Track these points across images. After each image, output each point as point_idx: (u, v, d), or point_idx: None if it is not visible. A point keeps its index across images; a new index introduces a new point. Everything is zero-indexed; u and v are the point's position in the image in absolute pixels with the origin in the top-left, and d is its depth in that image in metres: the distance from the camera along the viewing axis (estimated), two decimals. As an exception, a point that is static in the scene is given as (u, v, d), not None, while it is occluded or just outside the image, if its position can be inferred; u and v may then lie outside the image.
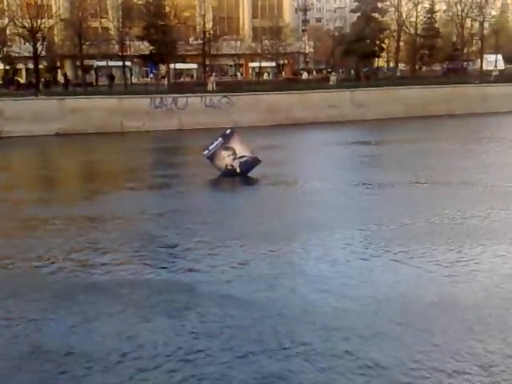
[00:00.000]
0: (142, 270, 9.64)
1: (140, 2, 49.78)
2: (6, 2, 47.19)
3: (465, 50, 57.79)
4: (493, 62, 56.19)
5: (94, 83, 49.88)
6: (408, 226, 11.99)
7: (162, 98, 37.72)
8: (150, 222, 13.03)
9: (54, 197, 17.06)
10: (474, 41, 61.39)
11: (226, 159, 18.04)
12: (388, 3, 55.19)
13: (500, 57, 58.04)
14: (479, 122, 36.79)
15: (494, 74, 51.44)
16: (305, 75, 55.78)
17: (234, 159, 18.04)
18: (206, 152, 18.23)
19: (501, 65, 57.10)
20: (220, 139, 18.15)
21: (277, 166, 21.12)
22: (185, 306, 8.04)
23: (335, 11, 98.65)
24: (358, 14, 56.84)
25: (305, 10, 70.12)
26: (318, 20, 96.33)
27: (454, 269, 9.31)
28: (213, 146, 18.09)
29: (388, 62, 66.59)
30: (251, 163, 18.13)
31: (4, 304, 8.36)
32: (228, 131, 18.44)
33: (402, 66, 61.16)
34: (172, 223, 13.00)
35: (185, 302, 8.20)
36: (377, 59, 59.48)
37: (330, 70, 63.70)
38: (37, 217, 13.81)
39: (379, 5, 55.35)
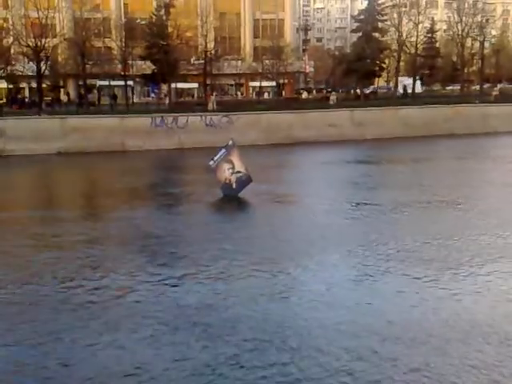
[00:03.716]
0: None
1: (143, 23, 50.36)
2: (10, 21, 47.79)
3: (465, 70, 58.15)
4: (408, 84, 56.04)
5: (97, 102, 50.30)
6: (408, 246, 12.11)
7: (162, 117, 37.96)
8: (143, 243, 13.08)
9: (54, 216, 17.17)
10: (475, 60, 61.81)
11: (226, 172, 18.26)
12: (388, 23, 55.69)
13: (417, 81, 58.12)
14: (479, 142, 36.91)
15: (494, 93, 51.63)
16: (305, 95, 56.20)
17: (232, 173, 18.26)
18: (212, 163, 18.41)
19: (418, 88, 56.90)
20: (223, 150, 18.40)
21: (274, 185, 21.33)
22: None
23: (336, 31, 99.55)
24: (359, 33, 57.38)
25: (305, 29, 70.96)
26: (319, 40, 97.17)
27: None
28: (217, 156, 18.33)
29: (388, 81, 67.01)
30: (245, 181, 18.31)
31: None
32: (230, 142, 18.64)
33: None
34: (170, 245, 13.05)
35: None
36: (377, 79, 59.85)
37: (330, 89, 64.14)
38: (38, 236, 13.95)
39: (380, 25, 55.92)
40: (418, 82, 57.28)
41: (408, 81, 57.54)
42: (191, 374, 6.93)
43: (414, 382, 6.72)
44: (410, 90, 53.85)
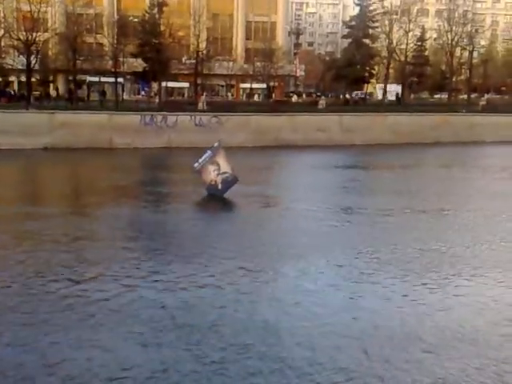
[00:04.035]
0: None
1: (135, 20, 50.23)
2: (2, 14, 47.44)
3: (453, 79, 58.74)
4: (390, 91, 56.66)
5: (86, 98, 50.07)
6: (398, 251, 12.30)
7: (152, 116, 37.88)
8: (128, 244, 13.11)
9: (39, 212, 17.13)
10: (463, 70, 62.44)
11: (211, 174, 18.36)
12: (379, 30, 56.10)
13: (399, 87, 58.67)
14: (466, 151, 37.37)
15: (481, 103, 52.25)
16: (294, 98, 56.38)
17: (218, 174, 18.37)
18: (197, 165, 18.52)
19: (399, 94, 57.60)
20: (209, 152, 18.50)
21: (262, 187, 21.44)
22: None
23: (327, 36, 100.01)
24: (350, 39, 57.74)
25: (297, 33, 71.08)
26: (310, 44, 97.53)
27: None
28: (202, 158, 18.41)
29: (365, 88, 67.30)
30: (231, 182, 18.40)
31: None
32: (216, 144, 18.74)
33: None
34: (157, 244, 13.08)
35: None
36: (366, 85, 60.23)
37: (319, 93, 64.41)
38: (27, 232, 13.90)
39: (370, 31, 56.32)
40: (399, 88, 57.70)
41: (392, 88, 58.06)
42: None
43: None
44: (391, 98, 54.42)
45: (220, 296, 9.58)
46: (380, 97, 57.83)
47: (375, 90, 59.10)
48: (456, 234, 14.11)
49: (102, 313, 8.74)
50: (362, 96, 57.21)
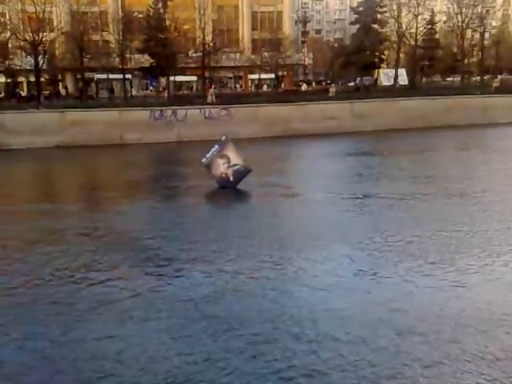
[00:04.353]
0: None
1: (140, 16, 50.01)
2: (7, 16, 47.50)
3: (465, 61, 57.88)
4: (392, 76, 55.85)
5: (95, 96, 50.08)
6: (418, 237, 11.94)
7: (161, 111, 37.73)
8: (150, 238, 12.86)
9: (55, 209, 17.00)
10: (475, 51, 61.50)
11: (221, 167, 18.13)
12: (388, 15, 55.33)
13: (403, 71, 57.63)
14: (480, 133, 36.76)
15: (495, 85, 51.40)
16: (304, 87, 55.86)
17: (228, 167, 18.11)
18: (204, 160, 18.35)
19: (404, 80, 56.50)
20: (216, 146, 18.28)
21: (277, 177, 21.17)
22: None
23: (335, 23, 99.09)
24: (358, 25, 57.02)
25: (304, 21, 70.34)
26: (318, 32, 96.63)
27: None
28: (210, 153, 18.21)
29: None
30: (243, 172, 18.12)
31: None
32: (223, 138, 18.50)
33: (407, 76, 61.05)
34: (179, 237, 12.85)
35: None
36: (377, 70, 59.52)
37: (329, 81, 63.83)
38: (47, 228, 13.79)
39: (379, 16, 55.54)
40: (404, 72, 56.87)
41: (392, 73, 57.38)
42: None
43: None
44: (401, 82, 53.72)
45: (247, 286, 9.41)
46: (384, 82, 57.01)
47: (379, 75, 58.22)
48: (484, 216, 13.70)
49: (130, 307, 8.62)
50: (366, 83, 56.43)
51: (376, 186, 18.74)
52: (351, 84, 57.54)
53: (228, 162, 18.06)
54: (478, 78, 60.48)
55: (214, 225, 14.09)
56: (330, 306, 8.45)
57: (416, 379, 6.47)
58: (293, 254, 11.04)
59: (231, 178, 18.16)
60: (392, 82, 55.00)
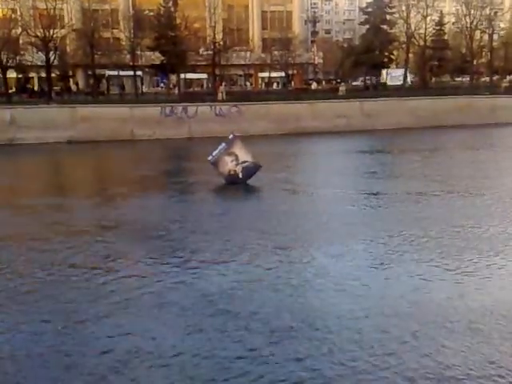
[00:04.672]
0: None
1: (151, 14, 50.22)
2: (19, 12, 47.82)
3: (474, 62, 57.82)
4: (397, 76, 55.62)
5: (106, 92, 50.36)
6: (435, 235, 11.88)
7: (172, 107, 37.94)
8: (162, 232, 12.86)
9: (69, 204, 17.18)
10: (484, 52, 61.41)
11: (229, 165, 18.10)
12: (397, 15, 55.38)
13: (399, 72, 57.41)
14: (490, 133, 36.74)
15: (504, 85, 51.38)
16: (314, 85, 55.93)
17: (237, 164, 18.11)
18: (211, 158, 18.33)
19: (406, 80, 56.18)
20: (223, 144, 18.26)
21: (288, 173, 21.24)
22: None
23: (344, 23, 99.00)
24: (367, 26, 57.08)
25: (314, 21, 70.40)
26: (327, 32, 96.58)
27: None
28: (216, 151, 18.19)
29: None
30: (252, 169, 18.15)
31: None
32: (230, 136, 18.51)
33: (411, 76, 61.09)
34: (193, 232, 12.79)
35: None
36: (386, 70, 59.50)
37: (339, 80, 63.87)
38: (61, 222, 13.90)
39: (388, 17, 55.62)
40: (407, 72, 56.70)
41: (397, 73, 57.26)
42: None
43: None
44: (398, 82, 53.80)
45: (260, 281, 9.36)
46: (388, 82, 56.90)
47: (382, 74, 58.09)
48: (496, 215, 13.72)
49: (143, 301, 8.58)
50: (370, 82, 56.41)
51: (388, 184, 18.75)
52: (356, 83, 57.34)
53: (236, 158, 18.05)
54: (487, 78, 60.39)
55: (227, 220, 14.10)
56: (349, 302, 8.45)
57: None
58: (310, 250, 11.03)
59: (240, 175, 18.15)
60: (394, 82, 54.96)
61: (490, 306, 8.11)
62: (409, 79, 56.04)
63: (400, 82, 54.56)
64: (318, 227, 12.96)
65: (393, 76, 56.97)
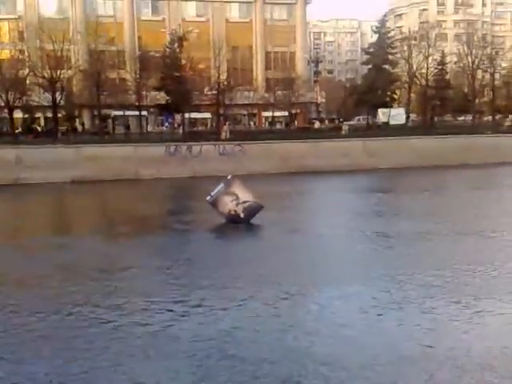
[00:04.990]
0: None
1: (157, 55, 51.12)
2: (26, 53, 48.76)
3: (476, 101, 58.30)
4: (397, 115, 55.73)
5: (111, 132, 50.86)
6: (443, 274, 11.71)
7: (176, 146, 38.23)
8: (166, 273, 12.77)
9: (73, 243, 17.08)
10: (486, 91, 62.01)
11: (228, 205, 17.92)
12: (398, 55, 56.21)
13: (402, 110, 57.74)
14: (493, 172, 36.70)
15: (506, 124, 51.68)
16: (317, 124, 56.42)
17: (238, 204, 17.93)
18: (209, 198, 18.23)
19: (402, 119, 56.49)
20: (221, 185, 18.16)
21: (291, 213, 21.16)
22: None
23: (346, 63, 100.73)
24: (369, 66, 57.88)
25: (317, 61, 71.50)
26: (330, 72, 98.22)
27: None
28: (215, 191, 18.09)
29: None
30: (254, 209, 18.01)
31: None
32: (229, 177, 18.46)
33: (413, 116, 61.57)
34: (195, 272, 12.74)
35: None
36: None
37: (341, 119, 64.45)
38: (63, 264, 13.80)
39: (390, 57, 56.44)
40: (403, 112, 56.98)
41: (398, 111, 57.46)
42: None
43: None
44: (400, 121, 53.91)
45: (263, 324, 9.18)
46: (383, 120, 57.09)
47: (378, 114, 58.50)
48: (503, 256, 13.54)
49: (151, 345, 8.41)
50: (367, 121, 56.76)
51: (392, 224, 18.63)
52: (352, 123, 57.54)
53: (236, 198, 17.89)
54: (490, 117, 60.81)
55: (229, 260, 13.96)
56: (354, 344, 8.30)
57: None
58: (311, 290, 10.93)
59: (241, 215, 17.98)
60: (396, 121, 55.04)
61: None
62: (404, 118, 56.28)
63: (400, 122, 54.83)
64: (320, 267, 12.84)
65: (393, 115, 57.27)
